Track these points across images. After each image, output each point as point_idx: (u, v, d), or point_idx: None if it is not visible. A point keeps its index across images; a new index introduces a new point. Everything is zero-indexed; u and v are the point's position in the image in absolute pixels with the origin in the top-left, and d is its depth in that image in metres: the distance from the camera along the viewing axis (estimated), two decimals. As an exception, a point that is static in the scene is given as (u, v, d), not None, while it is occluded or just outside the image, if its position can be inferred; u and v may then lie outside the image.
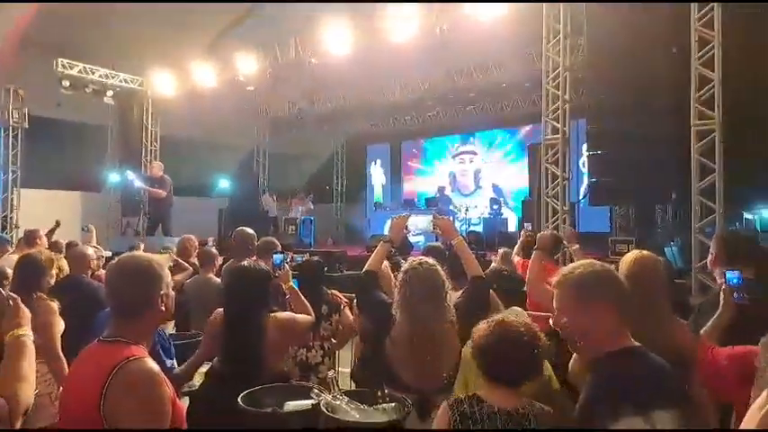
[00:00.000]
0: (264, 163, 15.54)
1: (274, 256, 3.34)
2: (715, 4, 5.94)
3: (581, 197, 8.87)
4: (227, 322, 2.72)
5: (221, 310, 2.81)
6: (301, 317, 2.96)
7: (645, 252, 2.50)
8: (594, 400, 1.58)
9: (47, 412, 2.68)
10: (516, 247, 5.39)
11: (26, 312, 1.86)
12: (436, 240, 6.99)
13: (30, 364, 1.75)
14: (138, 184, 10.77)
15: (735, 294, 2.31)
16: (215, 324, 2.80)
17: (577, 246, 4.04)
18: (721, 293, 2.35)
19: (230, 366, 2.62)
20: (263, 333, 2.66)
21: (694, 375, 2.27)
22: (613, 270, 1.71)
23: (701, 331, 2.36)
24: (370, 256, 2.77)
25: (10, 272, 3.46)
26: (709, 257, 2.92)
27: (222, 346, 2.70)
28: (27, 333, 1.81)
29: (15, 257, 4.43)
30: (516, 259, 4.99)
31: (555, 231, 6.76)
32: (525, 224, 7.48)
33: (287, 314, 2.93)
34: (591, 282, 1.64)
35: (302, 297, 3.06)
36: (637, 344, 1.66)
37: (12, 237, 10.27)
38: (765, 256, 2.83)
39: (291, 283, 3.12)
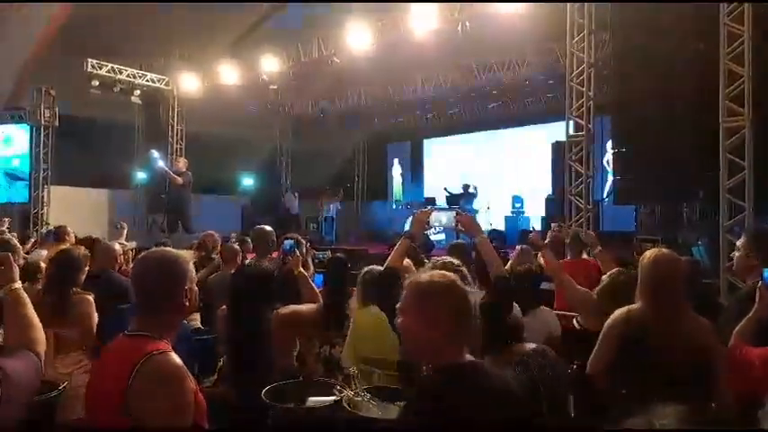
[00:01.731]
0: (287, 161, 15.67)
1: (285, 242, 3.30)
2: (746, 4, 5.79)
3: (605, 195, 8.75)
4: (230, 322, 2.75)
5: (225, 307, 2.84)
6: (305, 308, 2.93)
7: (663, 250, 2.48)
8: (412, 422, 1.51)
9: (83, 403, 2.75)
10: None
11: (17, 268, 1.92)
12: (457, 238, 6.97)
13: (33, 312, 1.81)
14: (161, 164, 10.93)
15: None
16: (221, 321, 2.84)
17: (599, 248, 4.00)
18: (757, 291, 2.29)
19: (236, 365, 2.65)
20: (266, 331, 2.67)
21: (716, 374, 2.24)
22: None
23: (735, 330, 2.32)
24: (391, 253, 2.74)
25: (42, 265, 3.57)
26: (738, 256, 2.75)
27: (228, 346, 2.73)
28: (20, 286, 1.87)
29: (44, 252, 4.56)
30: (543, 260, 4.92)
31: (578, 229, 6.69)
32: (552, 224, 7.38)
33: (290, 308, 2.91)
34: (434, 289, 1.60)
35: (311, 283, 3.04)
36: (472, 359, 1.58)
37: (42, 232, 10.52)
38: None
39: (301, 269, 3.11)
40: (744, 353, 2.11)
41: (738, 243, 2.80)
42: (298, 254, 3.19)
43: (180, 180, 10.02)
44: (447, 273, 1.70)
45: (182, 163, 10.46)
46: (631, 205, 9.71)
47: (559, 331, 3.33)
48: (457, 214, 2.89)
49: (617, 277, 3.04)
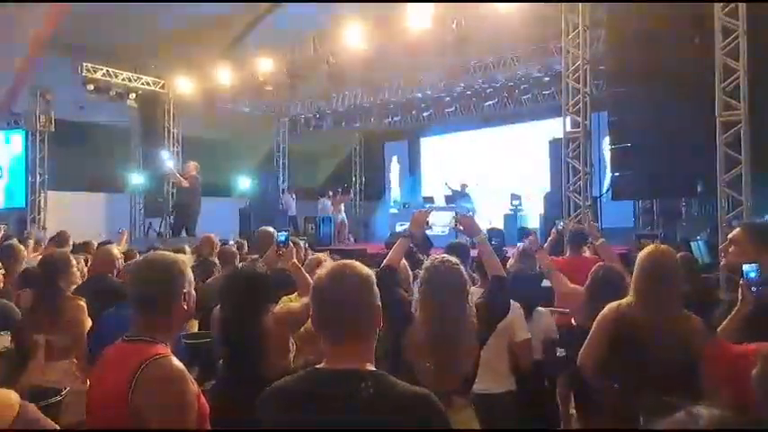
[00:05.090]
0: (284, 162, 15.62)
1: (279, 233, 3.27)
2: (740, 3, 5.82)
3: (604, 191, 8.75)
4: (224, 324, 2.74)
5: (218, 308, 2.83)
6: (295, 305, 2.91)
7: (661, 246, 2.47)
8: None
9: (77, 409, 2.73)
10: (545, 245, 5.28)
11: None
12: (456, 238, 6.94)
13: None
14: (169, 165, 10.88)
15: (753, 289, 2.26)
16: (215, 323, 2.82)
17: (602, 240, 4.00)
18: (739, 289, 2.30)
19: (232, 367, 2.63)
20: (261, 333, 2.64)
21: (704, 371, 2.22)
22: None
23: (719, 327, 2.32)
24: (388, 253, 2.72)
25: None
26: (732, 249, 2.69)
27: (223, 348, 2.72)
28: None
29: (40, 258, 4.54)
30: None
31: (578, 224, 6.69)
32: (557, 222, 7.36)
33: (283, 308, 2.89)
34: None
35: (305, 275, 3.01)
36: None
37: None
38: None
39: (295, 260, 3.08)
40: (723, 350, 2.11)
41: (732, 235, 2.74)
42: (292, 245, 3.15)
43: (186, 183, 9.98)
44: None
45: (192, 166, 10.39)
46: (629, 201, 9.74)
47: (556, 334, 3.38)
48: (457, 215, 2.90)
49: (596, 273, 3.05)
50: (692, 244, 6.51)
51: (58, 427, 1.62)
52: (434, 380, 2.17)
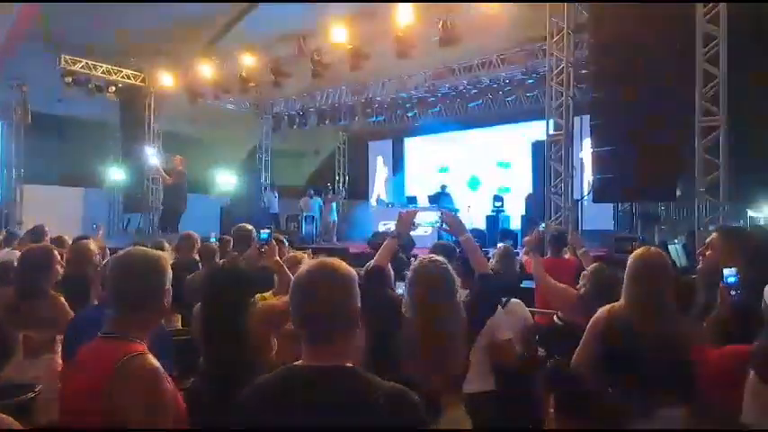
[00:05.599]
0: (267, 159, 15.52)
1: (261, 231, 3.26)
2: (721, 4, 5.92)
3: (585, 194, 8.86)
4: (205, 322, 2.70)
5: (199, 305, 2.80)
6: (278, 302, 2.89)
7: (651, 249, 2.48)
8: None
9: (53, 406, 2.67)
10: (526, 247, 5.32)
11: None
12: (439, 238, 6.95)
13: None
14: (154, 161, 10.73)
15: (732, 293, 2.29)
16: (196, 320, 2.79)
17: (584, 249, 4.06)
18: (718, 292, 2.33)
19: (213, 365, 2.61)
20: (241, 333, 2.62)
21: (694, 376, 2.24)
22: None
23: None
24: (372, 252, 2.71)
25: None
26: (708, 253, 2.76)
27: (204, 346, 2.68)
28: None
29: (18, 253, 4.43)
30: (525, 258, 4.97)
31: (558, 226, 6.76)
32: (541, 224, 7.42)
33: (267, 304, 2.87)
34: None
35: (288, 272, 2.98)
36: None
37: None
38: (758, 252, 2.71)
39: (277, 258, 3.07)
40: (704, 354, 2.14)
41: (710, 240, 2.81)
42: (273, 243, 3.13)
43: (169, 180, 9.87)
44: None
45: (177, 161, 10.23)
46: (610, 203, 9.86)
47: (532, 319, 3.42)
48: (443, 213, 2.88)
49: (601, 272, 3.07)
50: (669, 247, 6.61)
51: None
52: (426, 379, 2.17)
